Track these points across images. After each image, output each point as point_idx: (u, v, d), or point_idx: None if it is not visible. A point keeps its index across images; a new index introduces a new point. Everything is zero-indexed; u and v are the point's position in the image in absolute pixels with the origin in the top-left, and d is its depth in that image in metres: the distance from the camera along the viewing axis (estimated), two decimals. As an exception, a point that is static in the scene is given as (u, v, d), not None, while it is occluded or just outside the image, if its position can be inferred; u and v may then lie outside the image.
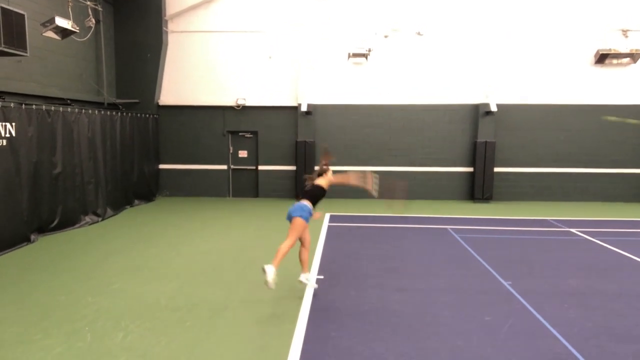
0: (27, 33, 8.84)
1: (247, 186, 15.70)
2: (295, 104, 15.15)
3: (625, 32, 14.52)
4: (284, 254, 6.01)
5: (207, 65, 15.25)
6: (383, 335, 5.33)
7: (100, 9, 13.33)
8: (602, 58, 14.41)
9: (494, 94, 14.80)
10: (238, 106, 15.24)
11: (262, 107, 15.27)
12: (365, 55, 14.50)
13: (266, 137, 15.40)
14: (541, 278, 7.42)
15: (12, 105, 8.83)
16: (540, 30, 14.75)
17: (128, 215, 12.43)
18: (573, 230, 10.96)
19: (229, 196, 15.73)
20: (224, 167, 15.62)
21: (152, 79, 14.96)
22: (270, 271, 5.67)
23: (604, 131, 14.86)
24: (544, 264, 8.19)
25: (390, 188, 6.29)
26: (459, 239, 9.99)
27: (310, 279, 6.66)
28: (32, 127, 9.38)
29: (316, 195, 6.53)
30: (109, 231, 10.57)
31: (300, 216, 6.20)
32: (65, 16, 10.51)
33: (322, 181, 6.64)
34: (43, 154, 9.75)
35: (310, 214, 6.36)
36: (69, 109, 10.68)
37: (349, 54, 14.55)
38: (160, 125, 15.34)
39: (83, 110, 11.15)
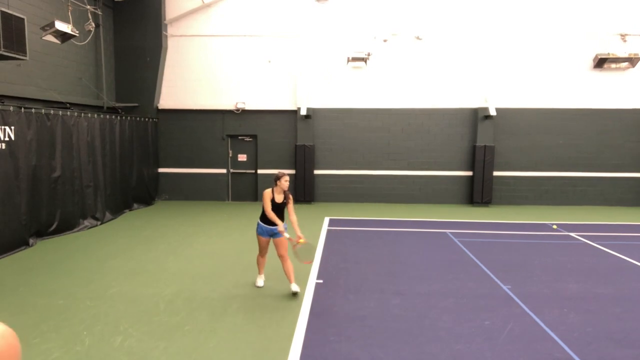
0: (26, 37, 8.85)
1: (246, 190, 15.69)
2: (294, 108, 15.16)
3: (623, 37, 14.56)
4: (259, 263, 7.12)
5: (206, 69, 15.27)
6: (382, 340, 5.32)
7: (100, 13, 13.36)
8: (600, 62, 14.44)
9: (493, 98, 14.84)
10: (237, 110, 15.25)
11: (262, 111, 15.28)
12: (364, 60, 14.53)
13: (265, 140, 15.41)
14: (541, 282, 7.41)
15: (11, 108, 8.83)
16: (539, 34, 14.79)
17: (127, 219, 12.42)
18: (572, 234, 10.95)
19: (229, 200, 15.72)
20: (224, 170, 15.61)
21: (152, 82, 14.98)
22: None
23: (603, 135, 14.89)
24: (543, 268, 8.18)
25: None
26: (458, 243, 9.99)
27: (292, 286, 6.75)
28: (32, 131, 9.38)
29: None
30: (107, 235, 10.55)
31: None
32: (65, 20, 10.52)
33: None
34: (42, 158, 9.74)
35: (261, 229, 6.78)
36: (69, 113, 10.68)
37: (348, 58, 14.57)
38: (159, 129, 15.35)
39: (82, 114, 11.15)
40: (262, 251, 6.96)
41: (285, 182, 6.70)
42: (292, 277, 6.72)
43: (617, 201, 15.06)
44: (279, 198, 6.72)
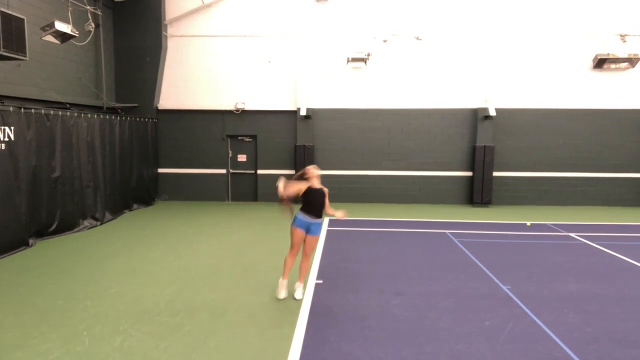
0: (26, 37, 8.85)
1: (246, 190, 15.69)
2: (294, 108, 15.16)
3: (623, 37, 14.57)
4: (287, 265, 6.60)
5: (206, 69, 15.27)
6: (382, 340, 5.32)
7: (99, 13, 13.36)
8: (600, 63, 14.45)
9: (493, 99, 14.84)
10: (237, 110, 15.25)
11: (261, 111, 15.28)
12: (364, 60, 14.54)
13: (265, 141, 15.41)
14: (540, 282, 7.41)
15: (11, 109, 8.83)
16: (539, 34, 14.80)
17: (127, 220, 12.41)
18: (572, 234, 10.95)
19: (228, 200, 15.72)
20: (223, 171, 15.61)
21: (152, 83, 14.98)
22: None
23: (603, 135, 14.90)
24: (543, 269, 8.18)
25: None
26: (458, 243, 9.99)
27: (297, 289, 6.65)
28: (31, 131, 9.37)
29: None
30: (107, 235, 10.55)
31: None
32: (65, 20, 10.51)
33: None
34: (42, 158, 9.74)
35: (299, 221, 6.40)
36: (68, 113, 10.68)
37: (348, 58, 14.59)
38: (159, 130, 15.35)
39: (82, 114, 11.15)
40: (295, 248, 6.45)
41: (312, 171, 6.48)
42: (303, 277, 6.66)
43: (617, 201, 15.06)
44: (317, 186, 6.48)
